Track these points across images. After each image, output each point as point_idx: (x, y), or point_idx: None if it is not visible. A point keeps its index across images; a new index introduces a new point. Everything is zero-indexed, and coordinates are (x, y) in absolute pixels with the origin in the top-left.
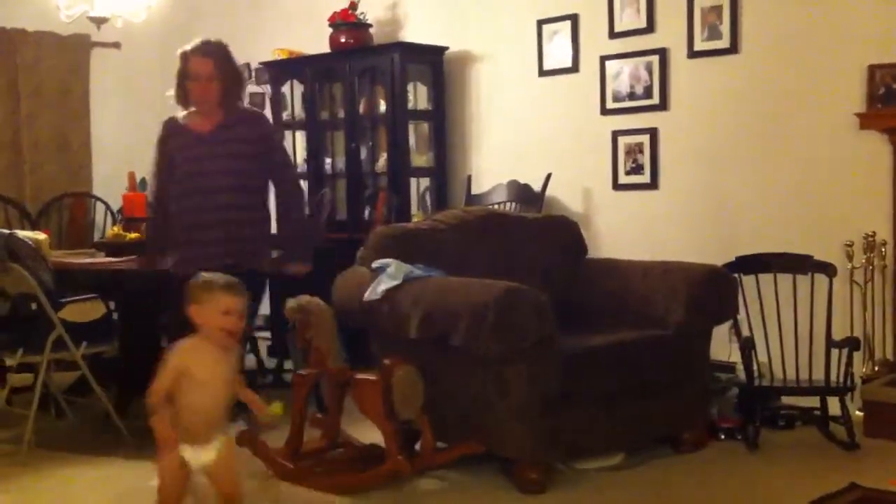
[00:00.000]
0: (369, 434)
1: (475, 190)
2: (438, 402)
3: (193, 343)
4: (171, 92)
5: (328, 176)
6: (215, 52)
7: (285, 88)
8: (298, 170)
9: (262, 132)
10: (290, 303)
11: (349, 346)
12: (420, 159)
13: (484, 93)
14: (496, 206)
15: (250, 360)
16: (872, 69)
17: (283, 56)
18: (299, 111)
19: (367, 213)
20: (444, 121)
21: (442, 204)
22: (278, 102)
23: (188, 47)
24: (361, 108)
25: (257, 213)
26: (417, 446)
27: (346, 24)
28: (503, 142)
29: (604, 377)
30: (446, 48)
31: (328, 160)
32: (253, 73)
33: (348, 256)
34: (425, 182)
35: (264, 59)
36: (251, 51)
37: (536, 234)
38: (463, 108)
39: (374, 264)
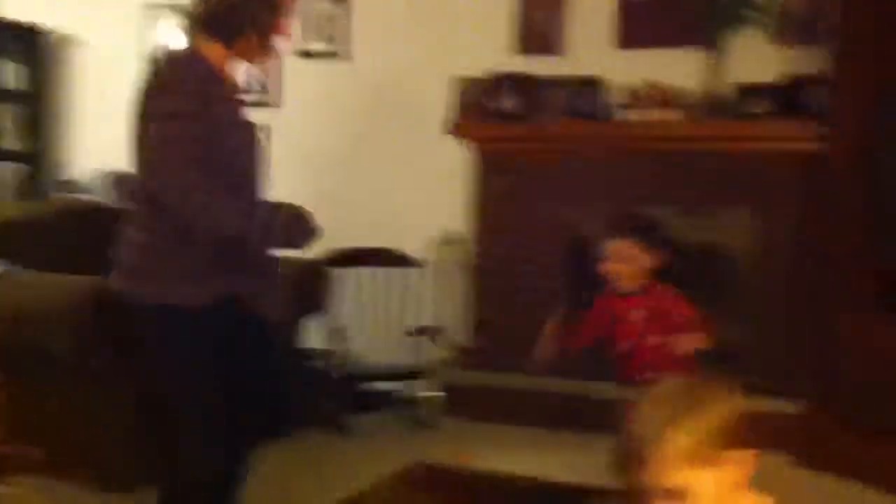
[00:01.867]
0: None
1: (74, 177)
2: (28, 405)
3: None
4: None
5: None
6: None
7: None
8: None
9: None
10: None
11: None
12: (12, 142)
13: (83, 77)
14: (96, 196)
15: None
16: (460, 81)
17: None
18: None
19: None
20: (40, 103)
21: (38, 191)
22: None
23: None
24: None
25: None
26: None
27: None
28: (102, 129)
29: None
30: (44, 28)
31: None
32: None
33: None
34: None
35: None
36: None
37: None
38: (60, 93)
39: None
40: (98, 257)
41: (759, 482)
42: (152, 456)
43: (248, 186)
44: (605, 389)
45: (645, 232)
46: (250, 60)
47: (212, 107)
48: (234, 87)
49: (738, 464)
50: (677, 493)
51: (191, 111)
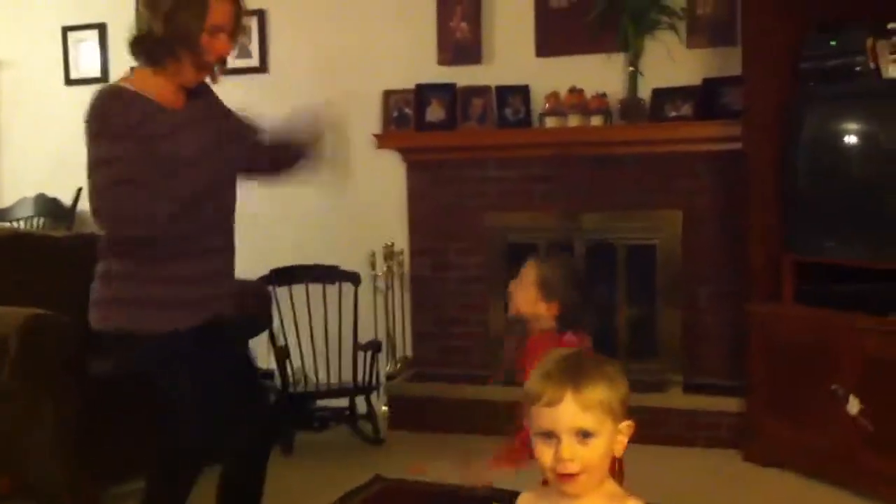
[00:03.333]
0: None
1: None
2: None
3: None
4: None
5: None
6: None
7: None
8: None
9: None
10: None
11: None
12: None
13: (6, 100)
14: (20, 222)
15: None
16: (387, 94)
17: None
18: None
19: None
20: None
21: None
22: None
23: None
24: None
25: None
26: None
27: None
28: (29, 153)
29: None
30: None
31: None
32: None
33: None
34: None
35: None
36: None
37: (66, 254)
38: None
39: None
40: (31, 287)
41: (709, 478)
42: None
43: (208, 210)
44: None
45: (545, 283)
46: (186, 83)
47: (152, 143)
48: (190, 109)
49: (624, 434)
50: (584, 433)
51: (124, 155)
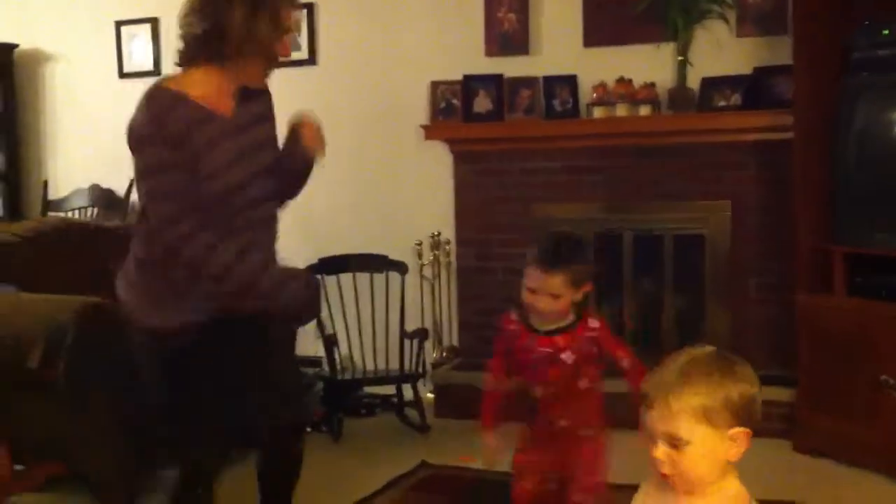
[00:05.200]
0: None
1: (53, 195)
2: (16, 425)
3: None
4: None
5: None
6: None
7: None
8: None
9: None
10: None
11: None
12: None
13: (60, 93)
14: (76, 213)
15: None
16: (435, 85)
17: None
18: None
19: None
20: (15, 121)
21: (15, 210)
22: None
23: None
24: None
25: None
26: None
27: None
28: (83, 145)
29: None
30: (15, 45)
31: None
32: None
33: None
34: None
35: None
36: None
37: (120, 244)
38: (37, 109)
39: None
40: (88, 275)
41: (758, 468)
42: (136, 467)
43: (252, 225)
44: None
45: (571, 263)
46: (250, 83)
47: (202, 152)
48: (238, 116)
49: (735, 440)
50: (673, 439)
51: (172, 161)
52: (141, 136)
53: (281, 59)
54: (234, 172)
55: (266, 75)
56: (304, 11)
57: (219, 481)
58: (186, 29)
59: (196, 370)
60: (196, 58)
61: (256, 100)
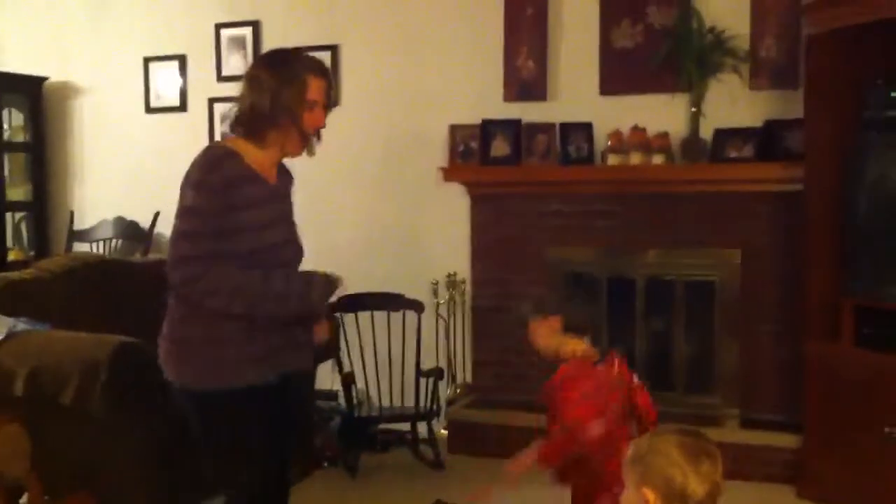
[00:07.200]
0: None
1: (79, 225)
2: (49, 458)
3: None
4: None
5: None
6: (327, 72)
7: None
8: None
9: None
10: None
11: None
12: (16, 192)
13: (88, 125)
14: (100, 243)
15: None
16: (454, 128)
17: None
18: None
19: None
20: (43, 152)
21: (41, 239)
22: None
23: (299, 63)
24: None
25: None
26: (23, 500)
27: None
28: (109, 177)
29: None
30: (45, 78)
31: None
32: None
33: None
34: (21, 216)
35: None
36: None
37: (148, 280)
38: (65, 140)
39: None
40: (120, 311)
41: None
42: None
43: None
44: None
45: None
46: (289, 154)
47: (239, 210)
48: (278, 185)
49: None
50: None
51: (209, 209)
52: (188, 179)
53: (314, 131)
54: (272, 233)
55: (303, 147)
56: (328, 52)
57: None
58: (239, 103)
59: (242, 419)
60: (245, 129)
61: (283, 177)
